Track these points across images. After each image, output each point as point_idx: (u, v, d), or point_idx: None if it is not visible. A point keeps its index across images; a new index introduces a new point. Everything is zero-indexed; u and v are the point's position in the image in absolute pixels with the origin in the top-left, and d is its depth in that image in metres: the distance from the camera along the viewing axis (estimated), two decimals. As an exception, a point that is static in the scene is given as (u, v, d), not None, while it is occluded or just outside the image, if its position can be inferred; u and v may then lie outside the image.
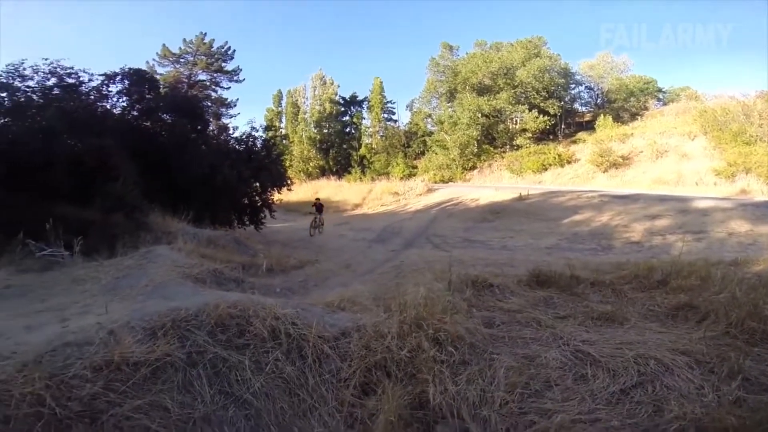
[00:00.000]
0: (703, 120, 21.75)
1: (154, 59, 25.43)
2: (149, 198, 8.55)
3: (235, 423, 2.43)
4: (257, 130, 14.49)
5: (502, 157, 28.33)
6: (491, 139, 29.38)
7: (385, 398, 2.48)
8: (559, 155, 25.76)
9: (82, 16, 39.05)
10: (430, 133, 32.04)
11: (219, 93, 26.92)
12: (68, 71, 10.04)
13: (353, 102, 35.28)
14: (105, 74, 11.19)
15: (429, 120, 33.33)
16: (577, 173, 24.42)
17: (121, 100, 11.63)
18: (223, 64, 26.79)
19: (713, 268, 4.77)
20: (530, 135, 28.05)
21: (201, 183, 10.45)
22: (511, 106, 28.27)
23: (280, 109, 37.16)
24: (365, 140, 34.75)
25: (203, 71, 26.41)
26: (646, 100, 29.91)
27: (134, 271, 5.15)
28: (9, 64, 9.50)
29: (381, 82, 34.70)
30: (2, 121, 9.08)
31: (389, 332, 2.89)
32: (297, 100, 36.86)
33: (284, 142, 31.85)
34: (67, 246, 6.05)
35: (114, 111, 11.31)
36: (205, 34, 26.48)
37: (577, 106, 32.69)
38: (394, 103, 35.47)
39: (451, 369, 2.66)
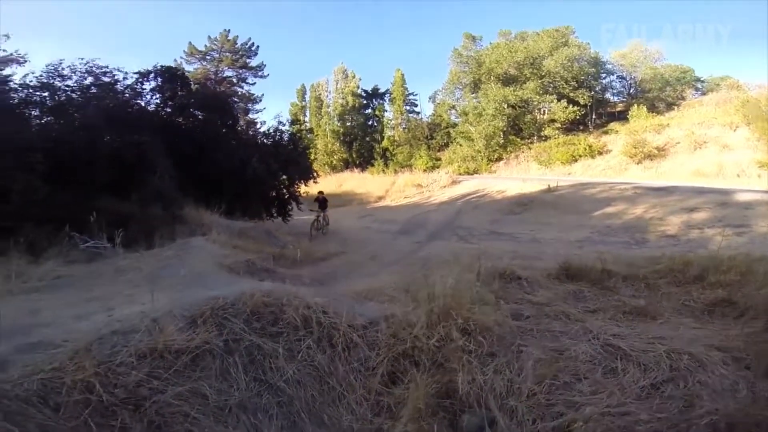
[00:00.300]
0: (746, 110, 20.47)
1: (181, 57, 26.11)
2: (183, 191, 8.89)
3: (269, 410, 2.48)
4: (284, 125, 14.77)
5: (530, 148, 27.64)
6: (518, 130, 28.68)
7: (413, 386, 2.53)
8: (590, 146, 24.93)
9: (107, 14, 40.36)
10: (454, 125, 31.59)
11: (245, 89, 27.49)
12: (103, 70, 10.41)
13: (375, 95, 35.23)
14: (139, 72, 11.61)
15: (453, 111, 32.84)
16: (609, 165, 23.60)
17: (154, 98, 12.06)
18: (248, 60, 27.25)
19: (755, 263, 4.55)
20: (559, 125, 27.20)
21: (232, 176, 10.76)
22: (538, 96, 27.43)
23: (304, 103, 37.53)
24: (388, 132, 34.69)
25: (229, 68, 26.94)
26: (683, 89, 28.38)
27: (173, 262, 5.35)
28: (48, 64, 9.87)
29: (402, 75, 34.50)
30: (45, 119, 9.58)
31: (417, 322, 2.92)
32: (320, 94, 37.14)
33: (309, 135, 32.23)
34: (109, 238, 6.38)
35: (148, 108, 11.74)
36: (229, 30, 26.91)
37: (608, 95, 31.32)
38: (416, 95, 35.23)
39: (478, 359, 2.68)
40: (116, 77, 10.73)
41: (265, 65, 27.57)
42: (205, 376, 2.51)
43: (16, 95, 9.25)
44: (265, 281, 4.33)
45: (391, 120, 35.26)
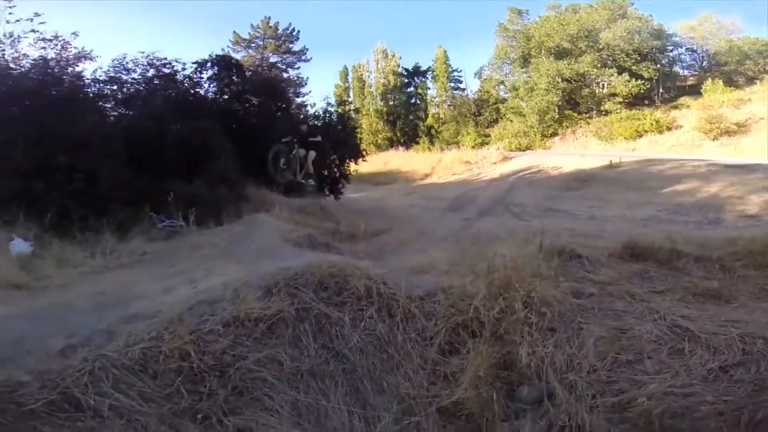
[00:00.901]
0: None
1: (228, 46, 26.90)
2: (244, 172, 9.44)
3: (335, 376, 2.62)
4: (332, 106, 15.00)
5: (588, 123, 25.97)
6: (574, 104, 27.01)
7: (474, 354, 2.61)
8: (657, 121, 22.99)
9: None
10: (504, 100, 30.32)
11: (291, 74, 27.94)
12: (163, 62, 10.90)
13: (417, 73, 34.51)
14: (197, 62, 12.13)
15: (501, 87, 31.51)
16: (679, 141, 21.64)
17: (211, 86, 12.67)
18: (290, 45, 27.67)
19: None
20: (621, 100, 25.32)
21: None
22: (596, 70, 25.69)
23: (347, 84, 37.61)
24: (432, 110, 34.07)
25: (273, 53, 27.46)
26: (767, 63, 25.12)
27: (242, 237, 5.74)
28: (114, 59, 10.49)
29: (445, 51, 33.41)
30: (118, 111, 10.41)
31: (478, 293, 2.97)
32: (362, 75, 36.98)
33: (355, 115, 32.49)
34: (183, 217, 7.02)
35: (207, 96, 12.38)
36: (270, 17, 27.32)
37: (677, 69, 28.54)
38: (460, 71, 34.05)
39: (539, 333, 2.72)
40: (175, 68, 11.26)
41: (307, 49, 27.90)
42: (279, 343, 2.68)
43: (89, 90, 10.01)
44: (327, 254, 4.53)
45: (434, 97, 34.55)
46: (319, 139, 7.04)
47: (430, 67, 34.25)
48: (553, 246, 4.01)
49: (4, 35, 8.92)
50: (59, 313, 3.30)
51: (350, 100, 36.35)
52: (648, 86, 25.64)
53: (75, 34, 9.90)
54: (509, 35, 29.97)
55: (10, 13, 8.89)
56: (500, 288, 2.98)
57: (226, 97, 12.53)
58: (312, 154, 7.00)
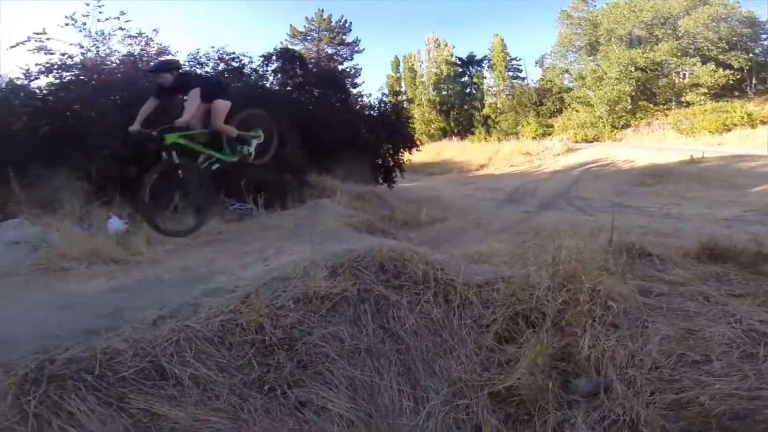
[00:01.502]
0: None
1: (285, 39, 27.75)
2: (308, 160, 9.91)
3: (389, 356, 2.70)
4: (387, 96, 15.17)
5: (666, 115, 23.84)
6: (650, 95, 24.83)
7: (533, 342, 2.61)
8: (749, 114, 20.70)
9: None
10: (568, 90, 28.57)
11: (345, 65, 28.40)
12: (232, 56, 11.63)
13: (471, 62, 33.41)
14: (263, 56, 12.85)
15: (565, 76, 29.66)
16: (775, 135, 19.26)
17: (275, 78, 13.30)
18: (344, 37, 28.05)
19: None
20: (705, 91, 22.93)
21: (345, 146, 11.54)
22: (675, 59, 23.42)
23: (398, 74, 37.45)
24: (488, 100, 32.94)
25: (328, 45, 28.02)
26: None
27: (308, 220, 6.09)
28: (189, 54, 11.32)
29: (502, 40, 32.01)
30: None
31: (541, 283, 2.95)
32: (413, 65, 36.62)
33: (409, 105, 32.40)
34: (253, 200, 7.57)
35: (272, 88, 13.03)
36: (323, 10, 27.78)
37: None
38: (519, 60, 32.48)
39: (602, 327, 2.67)
40: (243, 62, 11.92)
41: (359, 40, 28.18)
42: (342, 321, 2.80)
43: None
44: (385, 239, 4.65)
45: (491, 87, 33.35)
46: (197, 92, 3.95)
47: (486, 56, 33.18)
48: (621, 242, 3.83)
49: (97, 33, 9.75)
50: (152, 286, 3.68)
51: (402, 90, 36.29)
52: (738, 77, 22.98)
53: (156, 30, 10.67)
54: (573, 22, 28.22)
55: (100, 12, 9.65)
56: (565, 280, 2.93)
57: (290, 88, 13.13)
58: (223, 104, 4.12)
